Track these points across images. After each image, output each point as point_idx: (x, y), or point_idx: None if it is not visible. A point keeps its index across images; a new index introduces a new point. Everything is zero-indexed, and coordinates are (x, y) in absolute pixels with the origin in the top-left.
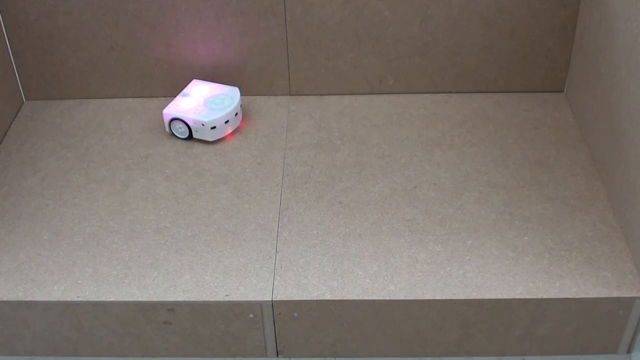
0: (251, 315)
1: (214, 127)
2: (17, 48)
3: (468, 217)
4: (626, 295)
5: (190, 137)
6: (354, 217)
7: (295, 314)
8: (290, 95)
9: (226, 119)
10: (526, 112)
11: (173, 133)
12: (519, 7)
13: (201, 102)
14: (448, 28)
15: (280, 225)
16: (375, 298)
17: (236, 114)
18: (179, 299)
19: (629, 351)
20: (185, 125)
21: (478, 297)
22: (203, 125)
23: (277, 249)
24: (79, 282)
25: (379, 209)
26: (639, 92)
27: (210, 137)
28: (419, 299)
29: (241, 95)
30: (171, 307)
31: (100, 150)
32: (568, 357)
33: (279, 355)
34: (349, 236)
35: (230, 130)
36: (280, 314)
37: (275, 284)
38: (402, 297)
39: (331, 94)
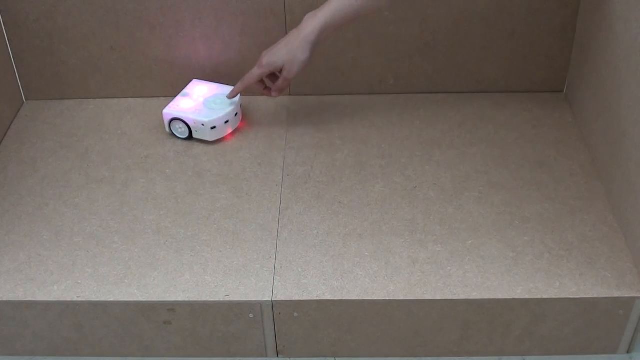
0: (251, 315)
1: (214, 127)
2: (17, 48)
3: (468, 217)
4: (626, 295)
5: (190, 137)
6: (354, 217)
7: (295, 314)
8: (290, 95)
9: (226, 119)
10: (526, 112)
11: (173, 133)
12: (519, 7)
13: (201, 102)
14: (448, 28)
15: (280, 225)
16: (375, 298)
17: (236, 114)
18: (179, 299)
19: (629, 351)
20: (185, 125)
21: (478, 297)
22: (203, 125)
23: (277, 249)
24: (79, 282)
25: (379, 209)
26: (639, 92)
27: (210, 137)
28: (419, 299)
29: (241, 95)
30: (171, 307)
31: (100, 150)
32: (568, 357)
33: (279, 355)
34: (349, 236)
35: (230, 131)
36: (280, 314)
37: (275, 284)
38: (402, 297)
39: (331, 94)
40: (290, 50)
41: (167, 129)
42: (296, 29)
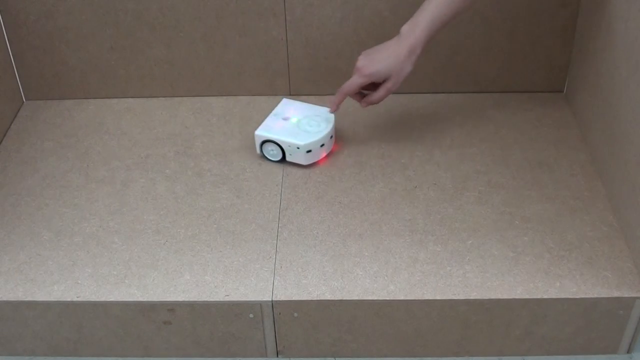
0: (251, 315)
1: (309, 151)
2: (17, 48)
3: (468, 217)
4: (626, 295)
5: (283, 159)
6: (354, 217)
7: (295, 314)
8: (290, 95)
9: (322, 143)
10: (526, 112)
11: (264, 155)
12: (519, 7)
13: (295, 123)
14: (448, 28)
15: (280, 225)
16: (375, 298)
17: (331, 137)
18: (179, 299)
19: (629, 351)
20: (278, 148)
21: (478, 297)
22: (298, 148)
23: (277, 249)
24: (79, 282)
25: (379, 209)
26: (639, 92)
27: (305, 160)
28: (419, 299)
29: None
30: (171, 307)
31: (100, 150)
32: (568, 357)
33: (279, 356)
34: (349, 236)
35: (324, 154)
36: (280, 314)
37: (275, 284)
38: (402, 297)
39: (331, 94)
40: (397, 62)
41: (258, 151)
42: (398, 39)
